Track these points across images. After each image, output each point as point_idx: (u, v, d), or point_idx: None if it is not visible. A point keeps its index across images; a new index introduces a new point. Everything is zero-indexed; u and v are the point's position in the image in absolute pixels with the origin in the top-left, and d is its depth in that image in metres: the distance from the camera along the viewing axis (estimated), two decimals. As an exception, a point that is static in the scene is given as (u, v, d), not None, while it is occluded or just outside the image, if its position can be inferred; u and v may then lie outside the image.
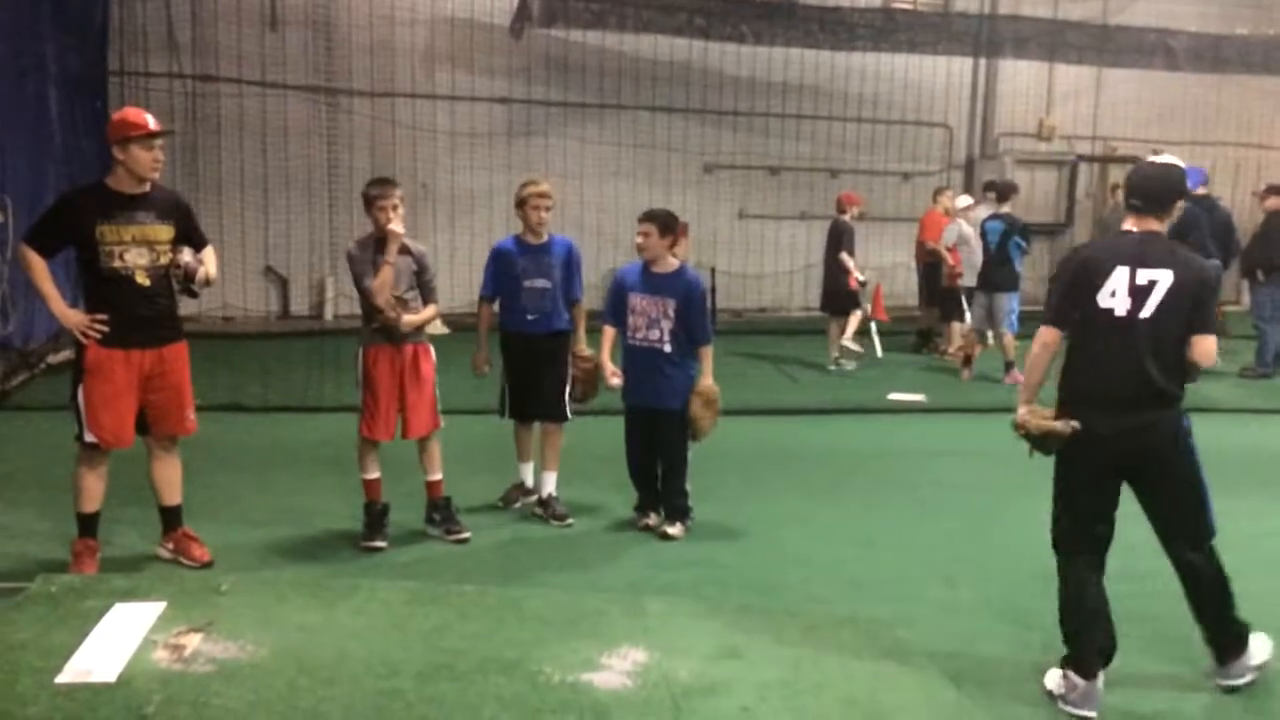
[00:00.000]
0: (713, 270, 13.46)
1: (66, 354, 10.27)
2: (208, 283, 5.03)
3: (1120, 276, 3.92)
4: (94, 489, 4.94)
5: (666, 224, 5.78)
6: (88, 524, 4.99)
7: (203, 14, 12.95)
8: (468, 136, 14.20)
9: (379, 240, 5.41)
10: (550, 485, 6.04)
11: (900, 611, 4.75)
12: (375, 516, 5.57)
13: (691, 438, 5.77)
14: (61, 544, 5.21)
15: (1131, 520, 4.16)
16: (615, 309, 5.92)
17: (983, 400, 9.84)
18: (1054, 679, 4.07)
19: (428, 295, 5.61)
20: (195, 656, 3.70)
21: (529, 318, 5.95)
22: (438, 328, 13.39)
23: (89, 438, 4.83)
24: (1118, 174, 16.35)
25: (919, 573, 5.41)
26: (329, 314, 13.68)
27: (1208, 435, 4.22)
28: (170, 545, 5.17)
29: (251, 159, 13.32)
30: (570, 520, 5.94)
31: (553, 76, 14.43)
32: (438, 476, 5.68)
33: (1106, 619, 4.06)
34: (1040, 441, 4.11)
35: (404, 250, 5.48)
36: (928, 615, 4.79)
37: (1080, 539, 4.14)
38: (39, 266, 4.80)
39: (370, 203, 5.42)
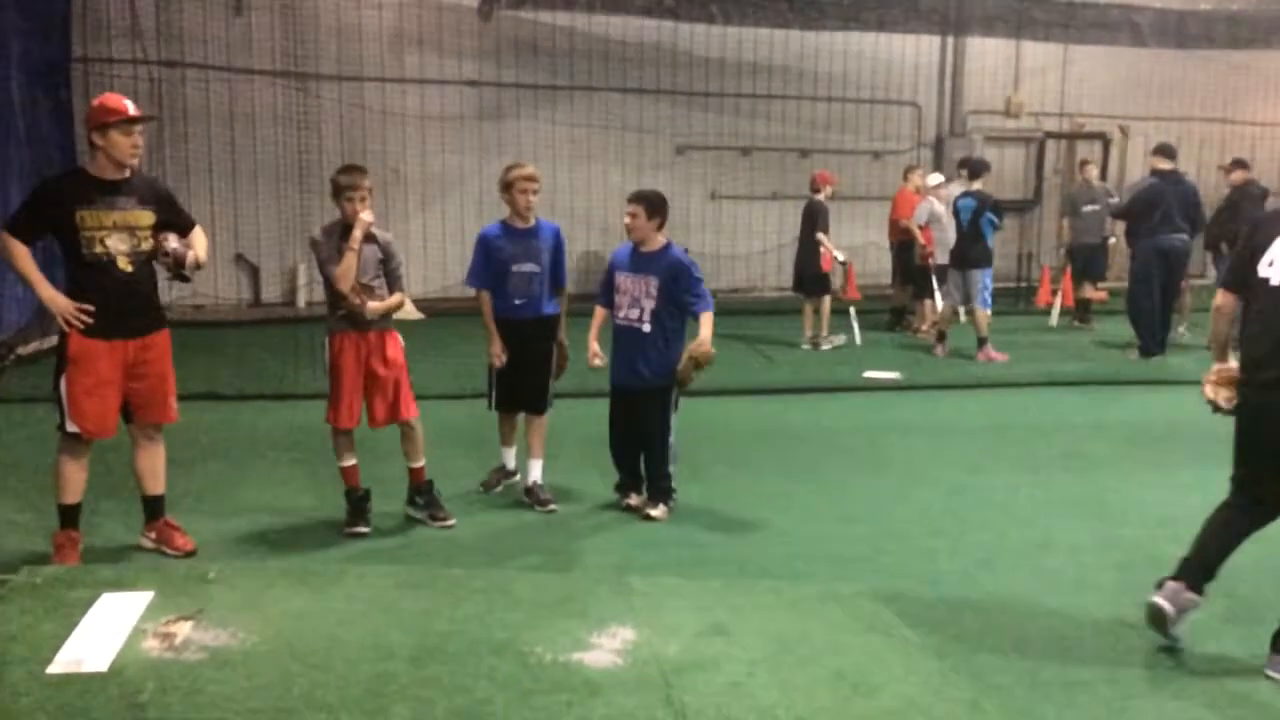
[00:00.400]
0: (685, 251, 13.48)
1: (36, 345, 10.19)
2: (198, 266, 5.00)
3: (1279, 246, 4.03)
4: (76, 480, 4.89)
5: (654, 204, 5.79)
6: (69, 515, 4.93)
7: (167, -1, 12.80)
8: (437, 120, 14.13)
9: (345, 227, 5.37)
10: (536, 473, 6.03)
11: (882, 586, 4.81)
12: (356, 503, 5.56)
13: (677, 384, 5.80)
14: (43, 535, 5.19)
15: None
16: (605, 289, 5.95)
17: (956, 377, 9.95)
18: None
19: (394, 283, 5.56)
20: (186, 645, 3.71)
21: (516, 302, 5.90)
22: (411, 312, 13.38)
23: (71, 428, 4.78)
24: (1085, 150, 16.52)
25: (898, 547, 5.48)
26: (301, 301, 13.61)
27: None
28: (153, 535, 5.13)
29: (219, 146, 13.20)
30: (555, 506, 5.95)
31: (522, 58, 14.38)
32: (420, 463, 5.66)
33: (1225, 548, 4.18)
34: (1213, 406, 4.27)
35: (370, 238, 5.44)
36: (909, 589, 4.86)
37: (1248, 490, 4.21)
38: (21, 252, 4.72)
39: (340, 191, 5.38)
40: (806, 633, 4.16)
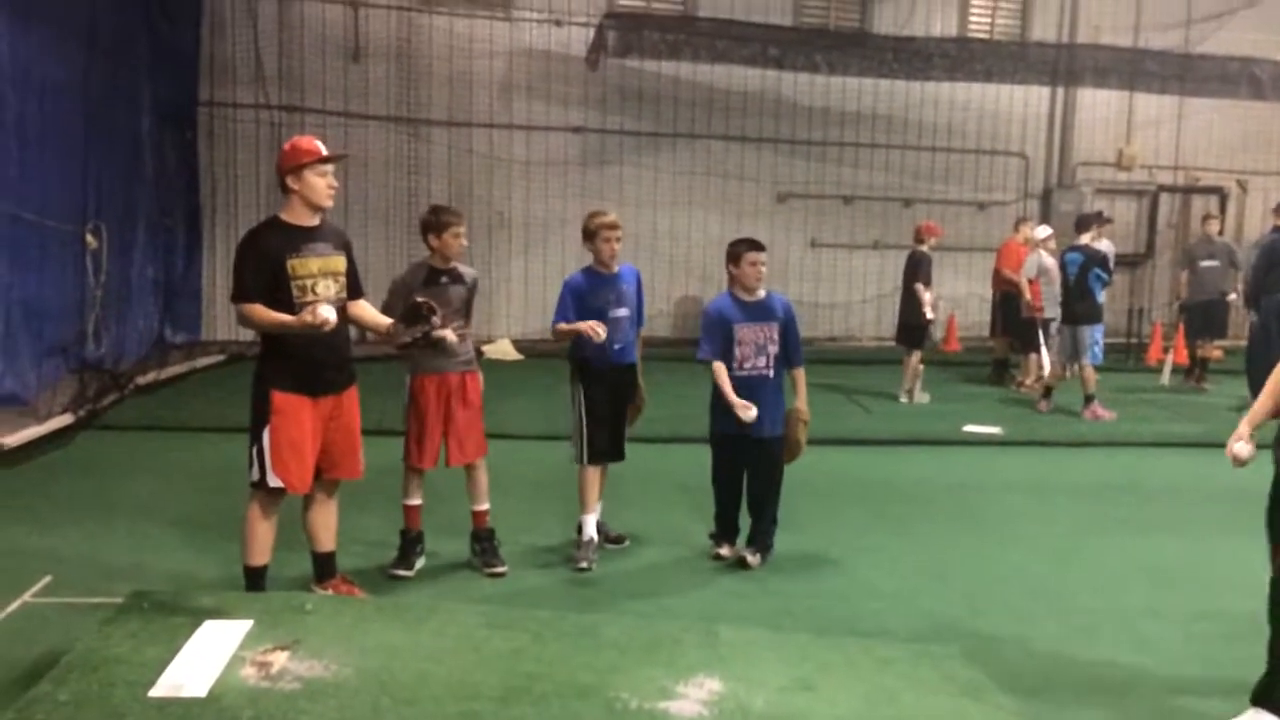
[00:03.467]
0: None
1: (154, 375, 10.62)
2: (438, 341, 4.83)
3: None
4: (266, 539, 4.73)
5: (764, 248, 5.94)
6: (255, 579, 4.75)
7: (290, 46, 13.37)
8: (542, 165, 14.41)
9: (430, 270, 5.51)
10: (598, 513, 6.01)
11: (976, 647, 4.68)
12: (409, 544, 5.57)
13: (787, 459, 5.80)
14: (147, 560, 5.37)
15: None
16: (721, 345, 5.81)
17: (1060, 434, 9.69)
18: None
19: (468, 316, 5.68)
20: (282, 674, 3.79)
21: (616, 347, 5.81)
22: (510, 353, 13.59)
23: (274, 482, 4.60)
24: (1200, 204, 16.05)
25: (994, 608, 5.34)
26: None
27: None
28: (329, 592, 4.97)
29: (333, 187, 13.64)
30: (627, 541, 6.03)
31: (627, 106, 14.60)
32: (484, 506, 5.65)
33: None
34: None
35: (457, 278, 5.55)
36: (1004, 652, 4.72)
37: None
38: (258, 308, 4.51)
39: (444, 229, 5.48)
40: (895, 692, 4.07)
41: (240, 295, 4.60)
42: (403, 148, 13.82)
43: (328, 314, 4.42)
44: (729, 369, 5.81)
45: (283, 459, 4.60)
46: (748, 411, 5.66)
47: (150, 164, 11.34)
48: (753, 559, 5.77)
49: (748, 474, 5.87)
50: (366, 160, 13.66)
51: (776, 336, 5.78)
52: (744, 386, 5.78)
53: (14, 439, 7.59)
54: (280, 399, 4.60)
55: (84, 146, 9.36)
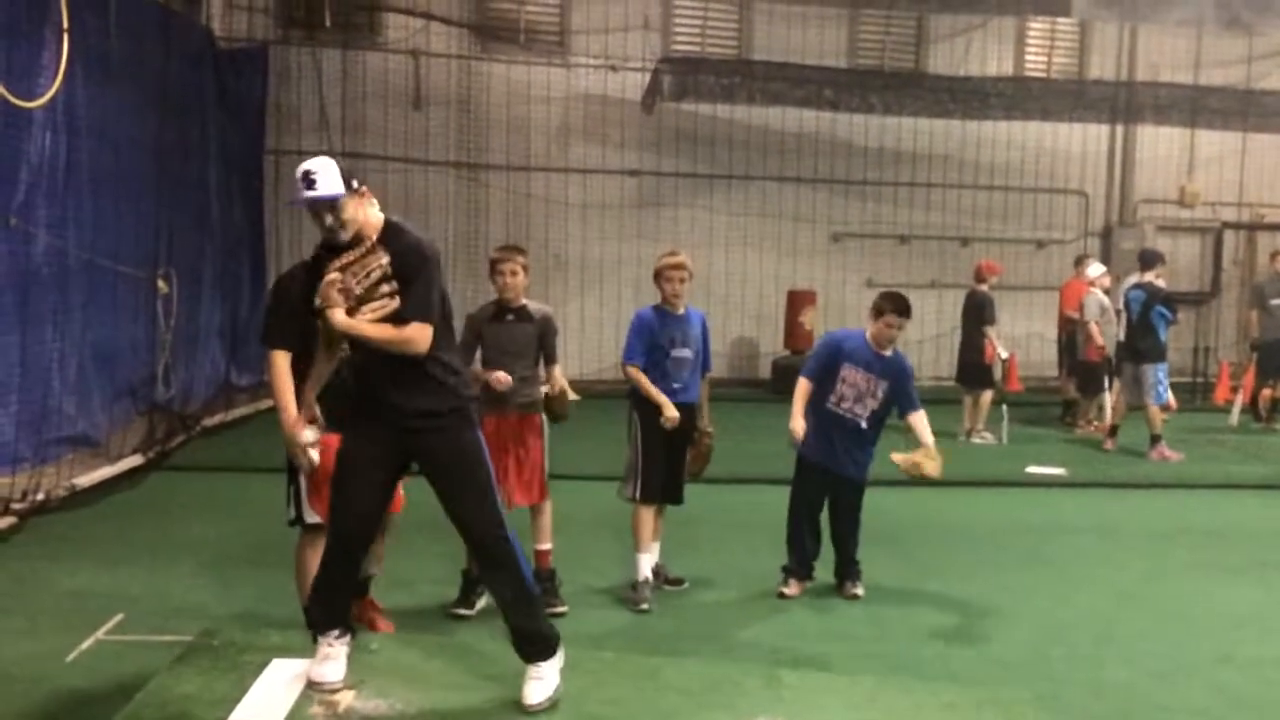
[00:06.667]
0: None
1: (220, 417, 10.83)
2: None
3: None
4: None
5: (910, 313, 5.97)
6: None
7: (353, 95, 13.70)
8: (599, 208, 14.57)
9: (498, 307, 5.59)
10: (657, 556, 6.03)
11: (1045, 691, 4.61)
12: (470, 584, 5.58)
13: (920, 475, 5.95)
14: (216, 599, 5.45)
15: None
16: (821, 371, 5.94)
17: (1126, 475, 9.53)
18: None
19: (550, 356, 5.66)
20: (349, 714, 3.83)
21: (675, 386, 5.83)
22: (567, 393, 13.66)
23: (311, 518, 4.68)
24: (1267, 241, 15.76)
25: (1062, 653, 5.24)
26: (464, 381, 14.06)
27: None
28: (354, 611, 4.84)
29: (394, 232, 13.91)
30: (685, 583, 6.04)
31: (682, 148, 14.74)
32: (546, 546, 5.66)
33: None
34: None
35: (526, 317, 5.59)
36: (1074, 698, 4.63)
37: None
38: (281, 373, 4.49)
39: (491, 267, 5.59)
40: (963, 738, 4.01)
41: (264, 339, 4.60)
42: (462, 192, 14.08)
43: (299, 455, 4.39)
44: (825, 401, 5.89)
45: (318, 494, 4.60)
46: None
47: (218, 212, 11.65)
48: (860, 590, 5.98)
49: (829, 509, 6.01)
50: (427, 203, 13.93)
51: (880, 393, 5.86)
52: (832, 422, 5.91)
53: (86, 479, 7.77)
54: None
55: (156, 196, 9.65)
